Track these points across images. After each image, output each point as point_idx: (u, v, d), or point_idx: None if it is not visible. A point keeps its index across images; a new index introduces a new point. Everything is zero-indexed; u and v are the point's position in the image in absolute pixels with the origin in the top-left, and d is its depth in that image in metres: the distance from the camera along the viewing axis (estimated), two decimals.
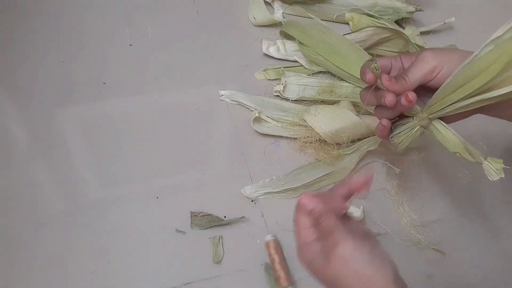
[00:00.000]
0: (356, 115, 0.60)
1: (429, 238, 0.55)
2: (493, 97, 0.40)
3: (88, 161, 0.57)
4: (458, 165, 0.61)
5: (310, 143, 0.60)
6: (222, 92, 0.64)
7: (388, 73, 0.48)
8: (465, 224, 0.57)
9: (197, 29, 0.71)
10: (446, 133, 0.46)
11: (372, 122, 0.60)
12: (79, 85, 0.63)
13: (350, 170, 0.59)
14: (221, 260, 0.52)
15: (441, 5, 0.80)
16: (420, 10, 0.74)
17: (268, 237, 0.53)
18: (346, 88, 0.65)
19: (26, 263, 0.50)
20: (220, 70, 0.67)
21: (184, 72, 0.66)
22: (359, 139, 0.60)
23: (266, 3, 0.74)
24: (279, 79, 0.66)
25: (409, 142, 0.48)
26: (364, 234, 0.39)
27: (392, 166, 0.59)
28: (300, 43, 0.67)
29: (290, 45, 0.70)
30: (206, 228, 0.54)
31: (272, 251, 0.51)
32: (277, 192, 0.57)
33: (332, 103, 0.64)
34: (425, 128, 0.47)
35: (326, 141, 0.60)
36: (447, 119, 0.47)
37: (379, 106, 0.49)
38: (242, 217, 0.55)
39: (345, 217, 0.42)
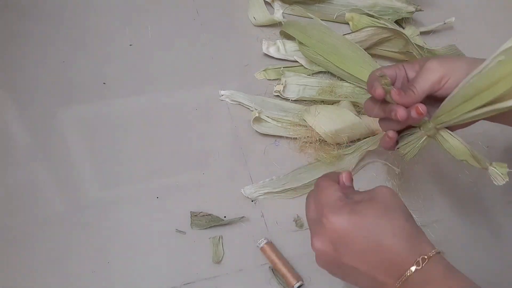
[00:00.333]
0: (356, 115, 0.60)
1: (429, 238, 0.55)
2: (504, 107, 0.39)
3: (88, 161, 0.57)
4: (458, 165, 0.61)
5: (310, 143, 0.60)
6: (222, 92, 0.64)
7: (393, 84, 0.48)
8: (465, 224, 0.57)
9: (197, 29, 0.71)
10: (453, 142, 0.46)
11: (372, 122, 0.60)
12: (79, 85, 0.63)
13: (350, 170, 0.59)
14: (221, 260, 0.52)
15: (441, 5, 0.80)
16: (420, 10, 0.74)
17: (261, 242, 0.52)
18: (346, 88, 0.65)
19: (26, 263, 0.50)
20: (220, 70, 0.67)
21: (184, 72, 0.66)
22: (359, 139, 0.60)
23: (266, 3, 0.74)
24: (279, 79, 0.66)
25: (416, 152, 0.48)
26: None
27: (392, 166, 0.59)
28: (300, 43, 0.67)
29: (290, 45, 0.70)
30: (206, 228, 0.54)
31: (270, 254, 0.51)
32: (277, 192, 0.57)
33: (332, 103, 0.64)
34: (432, 137, 0.47)
35: (326, 141, 0.60)
36: (453, 127, 0.47)
37: (385, 118, 0.48)
38: (242, 217, 0.55)
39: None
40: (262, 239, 0.52)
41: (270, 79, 0.67)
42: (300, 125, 0.61)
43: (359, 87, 0.65)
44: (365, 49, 0.67)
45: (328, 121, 0.59)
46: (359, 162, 0.60)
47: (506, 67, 0.38)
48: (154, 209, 0.55)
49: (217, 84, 0.65)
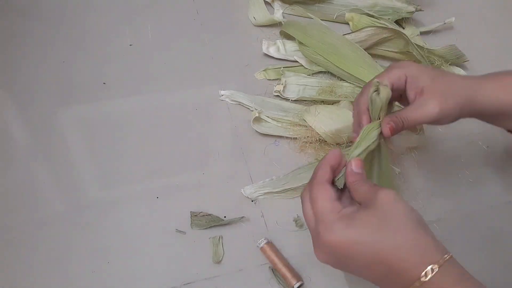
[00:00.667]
0: None
1: None
2: None
3: (88, 161, 0.57)
4: (458, 165, 0.61)
5: (310, 143, 0.60)
6: (222, 92, 0.64)
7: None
8: (465, 224, 0.57)
9: (197, 29, 0.71)
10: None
11: None
12: (79, 85, 0.63)
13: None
14: (221, 260, 0.52)
15: (441, 5, 0.80)
16: (420, 10, 0.74)
17: (261, 242, 0.52)
18: (346, 88, 0.65)
19: (26, 263, 0.50)
20: (220, 70, 0.67)
21: (184, 72, 0.66)
22: None
23: (266, 3, 0.74)
24: (279, 79, 0.66)
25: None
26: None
27: (392, 166, 0.59)
28: (300, 43, 0.67)
29: (290, 45, 0.70)
30: (206, 228, 0.54)
31: (270, 254, 0.51)
32: (277, 192, 0.57)
33: (332, 103, 0.64)
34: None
35: (326, 141, 0.60)
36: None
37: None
38: (242, 217, 0.55)
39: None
40: (262, 239, 0.52)
41: (270, 79, 0.67)
42: (300, 125, 0.61)
43: (359, 87, 0.65)
44: (365, 49, 0.67)
45: (328, 121, 0.59)
46: None
47: None
48: (154, 209, 0.55)
49: (217, 84, 0.65)
